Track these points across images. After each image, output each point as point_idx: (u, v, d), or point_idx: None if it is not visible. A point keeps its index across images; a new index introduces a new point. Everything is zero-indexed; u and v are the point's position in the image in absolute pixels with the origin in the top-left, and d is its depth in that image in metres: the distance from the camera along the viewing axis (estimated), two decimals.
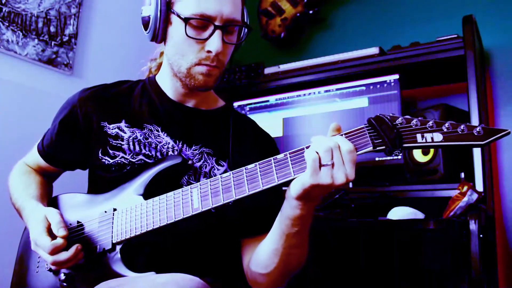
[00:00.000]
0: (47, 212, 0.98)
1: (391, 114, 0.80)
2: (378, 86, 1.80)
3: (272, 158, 0.84)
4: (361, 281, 1.78)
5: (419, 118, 0.78)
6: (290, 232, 0.87)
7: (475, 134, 0.75)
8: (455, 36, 1.61)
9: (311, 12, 2.18)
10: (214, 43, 0.96)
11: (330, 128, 0.83)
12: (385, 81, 1.78)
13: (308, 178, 0.78)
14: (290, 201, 0.84)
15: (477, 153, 1.44)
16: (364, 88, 1.84)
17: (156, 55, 1.20)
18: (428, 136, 0.77)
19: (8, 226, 1.32)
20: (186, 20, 0.96)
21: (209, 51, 0.97)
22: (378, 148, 0.79)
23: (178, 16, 0.97)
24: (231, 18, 0.98)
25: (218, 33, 0.97)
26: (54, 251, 0.93)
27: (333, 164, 0.77)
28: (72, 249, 0.93)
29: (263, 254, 0.96)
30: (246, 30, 1.05)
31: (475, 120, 1.46)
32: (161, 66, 1.14)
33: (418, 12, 2.01)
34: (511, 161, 1.76)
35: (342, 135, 0.81)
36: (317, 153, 0.77)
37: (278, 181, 0.82)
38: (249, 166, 0.85)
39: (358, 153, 0.80)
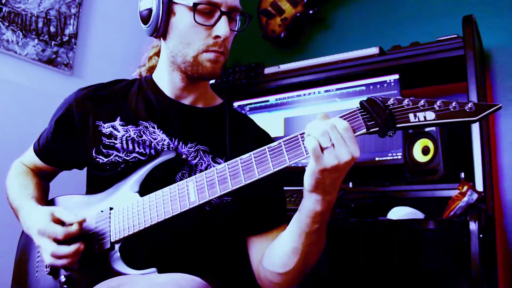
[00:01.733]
0: (52, 208, 0.98)
1: (382, 96, 0.80)
2: (378, 86, 1.80)
3: (266, 147, 0.84)
4: (361, 281, 1.78)
5: (411, 98, 0.78)
6: (310, 230, 0.87)
7: (467, 110, 0.75)
8: (455, 36, 1.61)
9: (311, 12, 2.17)
10: (222, 28, 0.98)
11: (318, 117, 0.82)
12: (385, 81, 1.78)
13: (314, 165, 0.77)
14: (308, 197, 0.84)
15: (477, 153, 1.44)
16: (364, 88, 1.84)
17: (144, 61, 1.21)
18: (420, 115, 0.77)
19: (7, 229, 1.31)
20: (195, 6, 0.97)
21: (217, 36, 0.99)
22: (371, 130, 0.79)
23: (183, 4, 0.99)
24: (233, 5, 1.01)
25: (224, 18, 0.99)
26: (67, 236, 0.92)
27: (333, 145, 0.76)
28: (74, 246, 0.92)
29: (280, 254, 0.95)
30: (246, 19, 1.06)
31: None
32: (157, 65, 1.14)
33: (418, 12, 2.01)
34: (511, 161, 1.76)
35: None
36: (316, 139, 0.77)
37: (273, 169, 0.82)
38: (243, 156, 0.85)
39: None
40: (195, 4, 0.97)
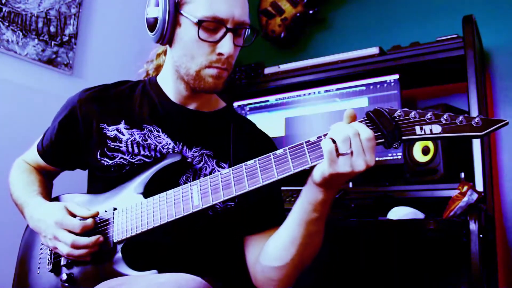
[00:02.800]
0: (65, 203, 1.00)
1: (389, 107, 0.80)
2: (378, 86, 1.80)
3: (271, 153, 0.84)
4: (361, 281, 1.78)
5: (418, 111, 0.78)
6: (310, 219, 0.87)
7: (474, 125, 0.75)
8: (455, 36, 1.61)
9: (311, 12, 2.17)
10: (226, 45, 0.96)
11: (345, 115, 0.81)
12: (385, 81, 1.78)
13: (327, 168, 0.78)
14: (311, 186, 0.84)
15: (477, 153, 1.44)
16: (364, 88, 1.84)
17: (152, 56, 1.21)
18: (427, 128, 0.77)
19: (9, 227, 1.31)
20: (199, 23, 0.95)
21: (220, 54, 0.97)
22: (377, 142, 0.79)
23: (188, 18, 0.96)
24: (241, 20, 0.98)
25: (229, 35, 0.97)
26: (84, 230, 0.94)
27: (352, 152, 0.76)
28: (93, 237, 0.94)
29: (277, 246, 0.95)
30: (253, 32, 1.04)
31: None
32: (162, 67, 1.14)
33: (418, 12, 2.01)
34: (511, 161, 1.76)
35: None
36: (334, 142, 0.77)
37: (277, 176, 0.82)
38: (248, 162, 0.86)
39: None
40: (200, 21, 0.95)
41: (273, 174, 0.83)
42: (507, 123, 0.75)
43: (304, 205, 0.87)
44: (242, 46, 1.04)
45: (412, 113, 0.78)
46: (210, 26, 0.96)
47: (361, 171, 0.77)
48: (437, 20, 1.95)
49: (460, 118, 0.75)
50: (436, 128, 0.76)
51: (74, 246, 0.93)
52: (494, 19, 1.82)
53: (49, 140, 1.13)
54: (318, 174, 0.80)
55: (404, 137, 0.77)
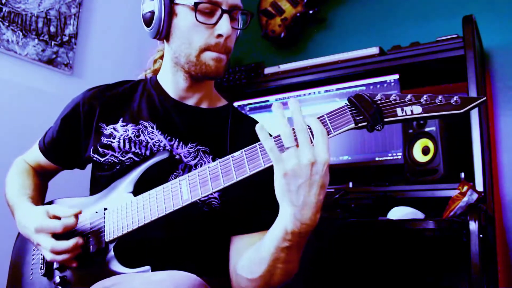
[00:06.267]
0: (47, 206, 0.99)
1: (370, 92, 0.81)
2: (378, 86, 1.80)
3: (257, 144, 0.83)
4: (361, 281, 1.78)
5: (397, 93, 0.79)
6: (280, 246, 0.84)
7: (453, 103, 0.76)
8: (455, 36, 1.61)
9: (311, 12, 2.17)
10: (224, 26, 0.99)
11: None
12: (385, 81, 1.78)
13: (275, 168, 0.77)
14: (281, 209, 0.82)
15: (477, 153, 1.44)
16: (364, 88, 1.84)
17: (149, 65, 1.22)
18: (407, 109, 0.77)
19: (3, 233, 1.30)
20: (196, 5, 0.98)
21: (219, 35, 0.99)
22: (360, 125, 0.79)
23: (184, 5, 1.00)
24: (234, 3, 1.01)
25: (226, 16, 0.99)
26: (66, 229, 0.93)
27: (297, 145, 0.76)
28: (73, 240, 0.93)
29: (251, 259, 0.94)
30: (248, 17, 1.07)
31: (475, 120, 1.46)
32: (161, 66, 1.15)
33: (418, 12, 2.01)
34: (511, 161, 1.76)
35: (324, 115, 0.80)
36: (274, 139, 0.78)
37: (264, 165, 0.81)
38: (235, 154, 0.85)
39: (341, 131, 0.79)
40: (196, 4, 0.98)
41: (259, 163, 0.82)
42: (485, 100, 0.77)
43: (276, 231, 0.84)
44: (241, 29, 1.07)
45: (393, 96, 0.79)
46: (206, 9, 0.99)
47: (309, 164, 0.74)
48: (437, 20, 1.95)
49: (440, 97, 0.77)
50: (417, 109, 0.77)
51: (54, 252, 0.93)
52: (494, 19, 1.82)
53: (51, 137, 1.14)
54: (275, 184, 0.78)
55: (386, 119, 0.78)
